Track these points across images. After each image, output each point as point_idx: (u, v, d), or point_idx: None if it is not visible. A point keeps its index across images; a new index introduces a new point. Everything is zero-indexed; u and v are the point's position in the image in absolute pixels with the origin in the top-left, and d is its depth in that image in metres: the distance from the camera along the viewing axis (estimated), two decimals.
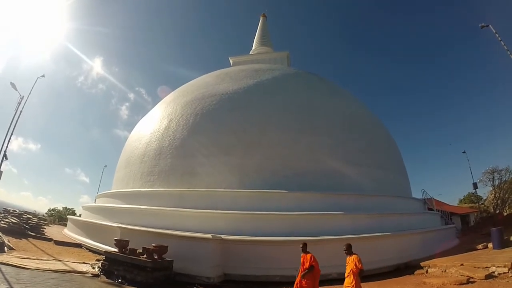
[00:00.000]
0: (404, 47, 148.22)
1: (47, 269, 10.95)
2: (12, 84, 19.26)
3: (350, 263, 8.25)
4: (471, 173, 35.91)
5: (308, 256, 9.12)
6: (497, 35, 16.75)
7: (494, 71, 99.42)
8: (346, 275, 8.23)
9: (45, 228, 21.77)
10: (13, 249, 14.06)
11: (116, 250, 11.78)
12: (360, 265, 8.07)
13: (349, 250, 8.64)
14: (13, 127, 18.77)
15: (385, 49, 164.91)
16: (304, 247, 9.48)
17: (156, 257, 10.67)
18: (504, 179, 32.47)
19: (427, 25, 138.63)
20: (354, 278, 8.03)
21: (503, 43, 16.58)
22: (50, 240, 17.69)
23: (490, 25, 16.89)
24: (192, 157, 16.82)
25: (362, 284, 10.10)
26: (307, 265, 8.91)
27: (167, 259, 10.93)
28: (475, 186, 33.64)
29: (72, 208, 44.86)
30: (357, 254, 8.37)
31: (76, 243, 17.21)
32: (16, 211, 22.48)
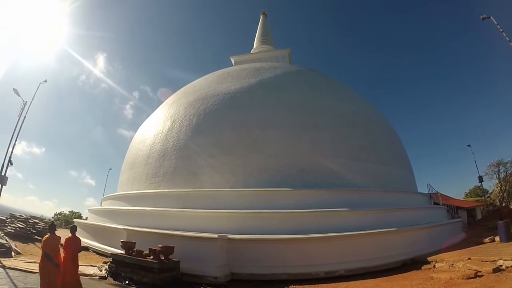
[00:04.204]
0: (408, 42, 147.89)
1: None
2: (15, 90, 19.31)
3: None
4: (477, 166, 35.83)
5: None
6: (498, 26, 16.64)
7: (497, 64, 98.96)
8: None
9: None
10: (20, 253, 14.15)
11: (123, 252, 11.81)
12: (42, 245, 7.87)
13: (49, 229, 8.57)
14: (17, 133, 18.87)
15: (388, 44, 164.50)
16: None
17: (162, 258, 10.68)
18: (510, 171, 32.43)
19: (429, 19, 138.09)
20: (40, 259, 7.85)
21: (505, 35, 16.46)
22: None
23: (491, 17, 16.78)
24: (196, 158, 16.84)
25: (370, 281, 10.08)
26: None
27: (174, 259, 10.94)
28: (480, 179, 33.49)
29: (78, 212, 45.08)
30: (48, 236, 8.15)
31: (83, 246, 17.17)
32: (22, 216, 22.58)
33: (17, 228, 18.63)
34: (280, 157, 16.07)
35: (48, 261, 7.75)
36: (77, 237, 9.23)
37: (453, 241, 15.31)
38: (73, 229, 9.50)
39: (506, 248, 11.38)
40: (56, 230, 8.74)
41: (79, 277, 8.94)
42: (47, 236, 8.20)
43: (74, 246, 8.88)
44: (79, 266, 12.34)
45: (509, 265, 9.28)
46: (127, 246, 11.71)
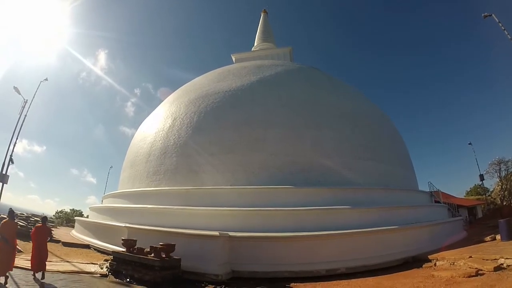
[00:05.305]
0: (409, 41, 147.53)
1: (55, 271, 11.00)
2: (16, 89, 19.35)
3: None
4: (478, 164, 35.75)
5: None
6: (500, 24, 16.60)
7: (497, 64, 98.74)
8: None
9: (53, 230, 21.81)
10: (21, 251, 14.14)
11: (124, 249, 11.80)
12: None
13: (8, 215, 9.64)
14: (18, 131, 18.89)
15: (389, 43, 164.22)
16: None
17: (164, 256, 10.66)
18: (511, 170, 32.28)
19: (429, 19, 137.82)
20: None
21: (506, 33, 16.42)
22: (58, 241, 17.75)
23: (493, 15, 16.74)
24: (197, 155, 16.81)
25: (371, 279, 10.10)
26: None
27: (175, 257, 10.93)
28: (481, 177, 33.55)
29: (79, 210, 45.03)
30: (6, 220, 9.33)
31: (84, 244, 17.27)
32: (23, 214, 22.62)
33: (18, 226, 18.61)
34: (282, 155, 16.04)
35: (4, 242, 8.74)
36: (47, 226, 10.52)
37: (454, 239, 15.30)
38: (43, 219, 11.33)
39: (507, 247, 11.36)
40: (15, 217, 9.93)
41: (45, 267, 10.01)
42: (5, 220, 9.25)
43: (40, 233, 10.19)
44: (80, 264, 12.46)
45: (510, 264, 9.25)
46: (128, 244, 11.69)
